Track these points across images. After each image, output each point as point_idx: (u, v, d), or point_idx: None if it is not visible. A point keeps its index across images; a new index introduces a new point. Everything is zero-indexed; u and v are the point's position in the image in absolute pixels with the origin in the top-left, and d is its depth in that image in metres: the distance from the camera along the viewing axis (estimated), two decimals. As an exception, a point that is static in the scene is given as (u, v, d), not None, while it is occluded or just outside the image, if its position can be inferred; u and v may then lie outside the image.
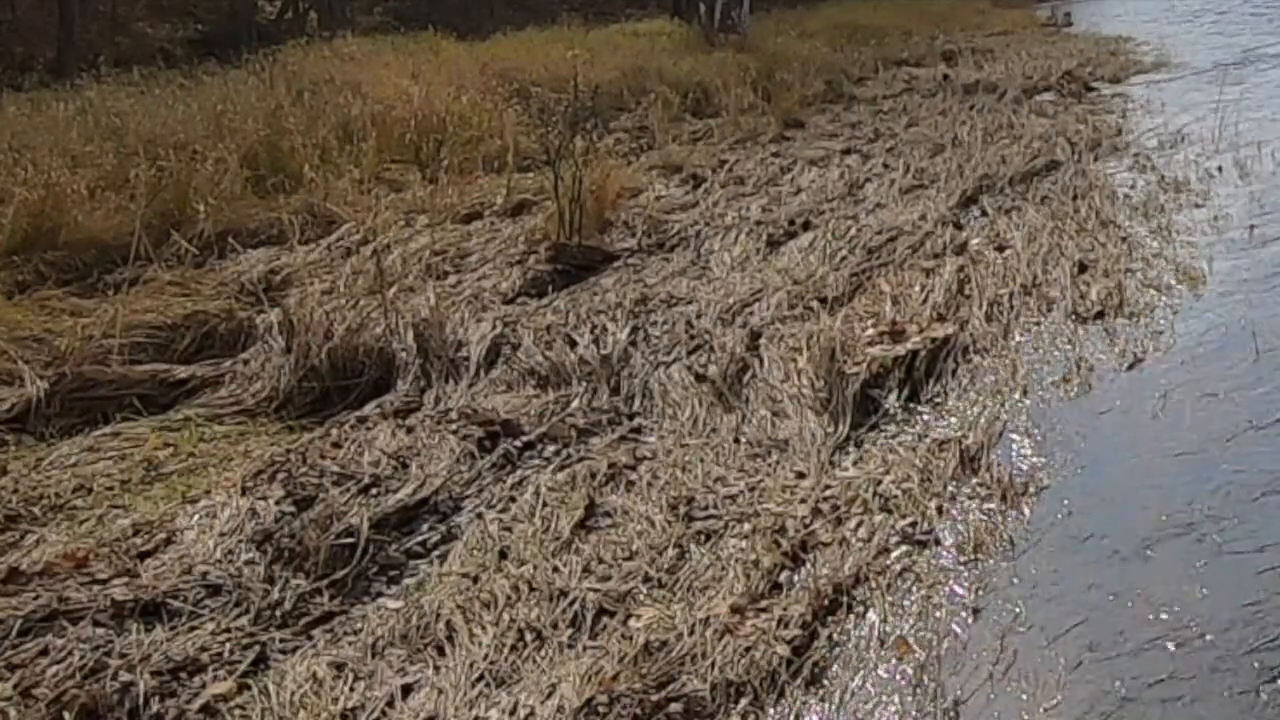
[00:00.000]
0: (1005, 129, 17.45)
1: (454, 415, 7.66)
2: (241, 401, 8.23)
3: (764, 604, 5.60)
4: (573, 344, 8.80)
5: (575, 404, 7.93)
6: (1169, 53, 24.85)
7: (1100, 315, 9.26)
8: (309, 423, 7.96)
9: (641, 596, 5.70)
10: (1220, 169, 14.02)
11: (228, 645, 5.43)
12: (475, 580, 5.85)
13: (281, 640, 5.51)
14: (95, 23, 24.96)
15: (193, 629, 5.52)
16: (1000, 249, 10.98)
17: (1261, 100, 18.30)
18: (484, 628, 5.44)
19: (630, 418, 7.85)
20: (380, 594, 5.89)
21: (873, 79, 23.76)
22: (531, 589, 5.72)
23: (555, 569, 5.90)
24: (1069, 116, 18.44)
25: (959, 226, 12.05)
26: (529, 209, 12.89)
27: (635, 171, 14.75)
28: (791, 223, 12.29)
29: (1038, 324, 9.21)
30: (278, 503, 6.52)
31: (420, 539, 6.37)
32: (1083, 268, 10.30)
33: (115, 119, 13.96)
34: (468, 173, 14.21)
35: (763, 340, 8.90)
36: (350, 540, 6.15)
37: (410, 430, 7.54)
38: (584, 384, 8.21)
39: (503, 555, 6.07)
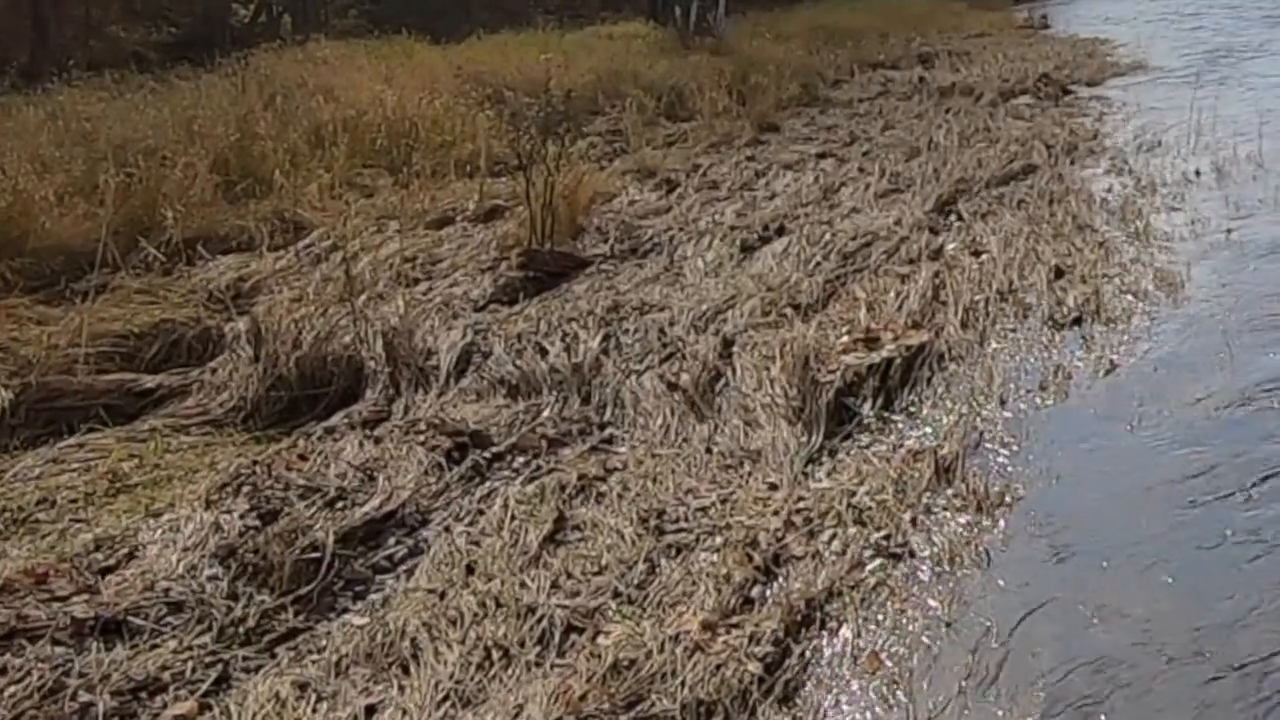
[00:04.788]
0: (982, 132, 17.41)
1: (422, 426, 7.57)
2: (209, 411, 8.16)
3: (735, 619, 5.52)
4: (544, 352, 8.73)
5: (546, 414, 7.86)
6: (1146, 55, 24.86)
7: (1077, 321, 9.21)
8: (276, 433, 7.89)
9: (610, 613, 5.62)
10: (1198, 172, 13.99)
11: (190, 664, 5.34)
12: (442, 596, 5.77)
13: (244, 658, 5.42)
14: (69, 26, 24.81)
15: (154, 647, 5.43)
16: (976, 254, 10.92)
17: (1238, 102, 18.28)
18: (450, 646, 5.35)
19: (601, 428, 7.78)
20: (345, 610, 5.80)
21: (849, 82, 23.74)
22: (499, 605, 5.64)
23: (523, 584, 5.81)
24: (1046, 119, 18.42)
25: (935, 231, 11.98)
26: (501, 214, 12.81)
27: (609, 176, 14.64)
28: (766, 228, 12.23)
29: (1014, 330, 9.16)
30: (242, 516, 6.42)
31: (387, 553, 6.28)
32: (1059, 273, 10.25)
33: (86, 124, 13.86)
34: (440, 177, 14.16)
35: (736, 348, 8.82)
36: (315, 555, 6.05)
37: (378, 441, 7.44)
38: (555, 393, 8.15)
39: (470, 570, 5.99)
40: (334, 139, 14.36)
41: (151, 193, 11.81)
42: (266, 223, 11.99)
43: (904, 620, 5.58)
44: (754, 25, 28.44)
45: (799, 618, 5.55)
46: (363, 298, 9.62)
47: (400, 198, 13.19)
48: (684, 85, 20.48)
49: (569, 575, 5.93)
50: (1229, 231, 11.50)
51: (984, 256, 10.80)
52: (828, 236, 11.71)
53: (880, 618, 5.61)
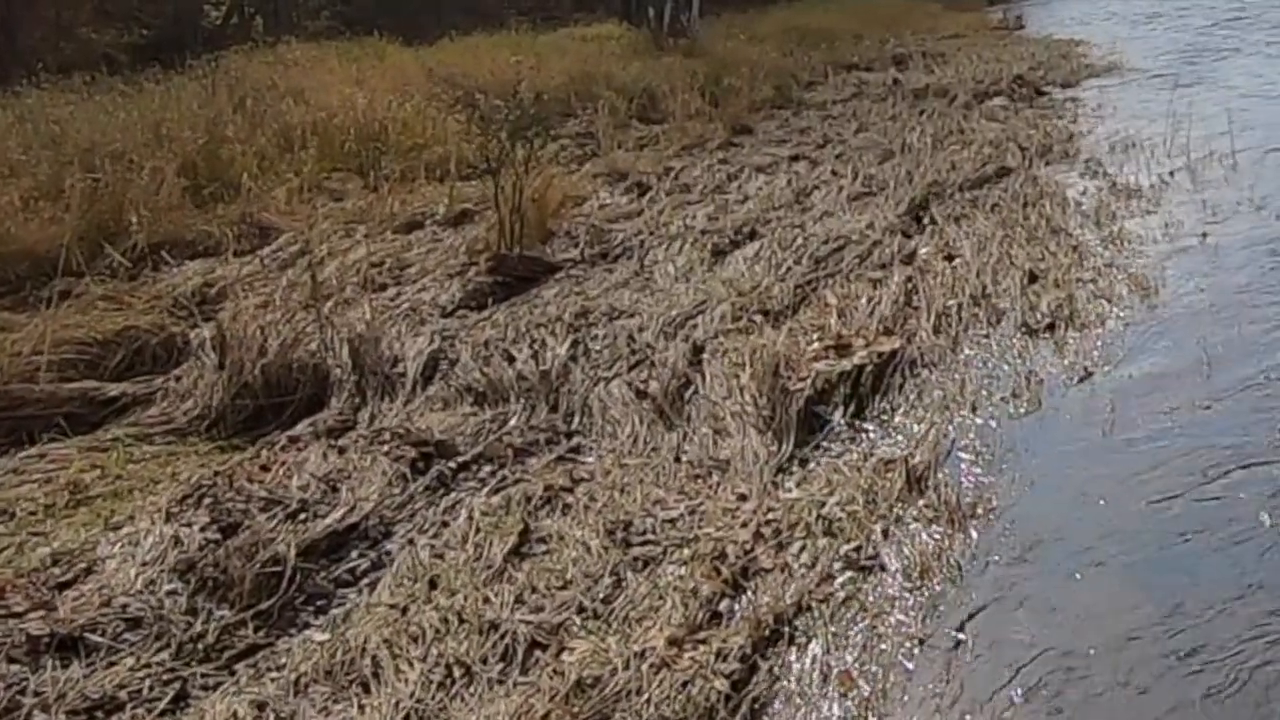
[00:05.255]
0: (955, 134, 17.37)
1: (387, 435, 7.47)
2: (172, 420, 8.04)
3: (702, 635, 5.44)
4: (511, 359, 8.65)
5: (513, 422, 7.76)
6: (1120, 56, 24.84)
7: (1051, 327, 9.14)
8: (241, 441, 7.78)
9: (575, 628, 5.53)
10: (1172, 174, 13.95)
11: (147, 682, 5.25)
12: (404, 612, 5.67)
13: (203, 676, 5.33)
14: (39, 28, 24.63)
15: (111, 665, 5.34)
16: (949, 258, 10.86)
17: (1212, 104, 18.24)
18: (411, 663, 5.26)
19: (569, 436, 7.70)
20: (306, 625, 5.72)
21: (822, 84, 23.68)
22: (461, 621, 5.55)
23: (486, 599, 5.72)
24: (1020, 121, 18.38)
25: (907, 235, 11.92)
26: (471, 218, 12.73)
27: (579, 179, 14.61)
28: (737, 232, 12.16)
29: (987, 336, 9.09)
30: (203, 529, 6.32)
31: (349, 566, 6.19)
32: (1033, 278, 10.19)
33: (54, 126, 13.72)
34: (409, 181, 14.08)
35: (706, 355, 8.75)
36: (276, 569, 5.96)
37: (342, 451, 7.34)
38: (522, 401, 8.05)
39: (433, 585, 5.90)
40: (303, 142, 14.28)
41: (118, 197, 11.68)
42: (233, 227, 11.92)
43: (875, 636, 5.51)
44: (728, 27, 28.42)
45: (767, 633, 5.48)
46: (329, 304, 9.53)
47: (369, 201, 13.14)
48: (657, 87, 20.41)
49: (533, 590, 5.84)
50: (1204, 235, 11.45)
51: (957, 261, 10.74)
52: (799, 240, 11.63)
53: (851, 633, 5.53)
